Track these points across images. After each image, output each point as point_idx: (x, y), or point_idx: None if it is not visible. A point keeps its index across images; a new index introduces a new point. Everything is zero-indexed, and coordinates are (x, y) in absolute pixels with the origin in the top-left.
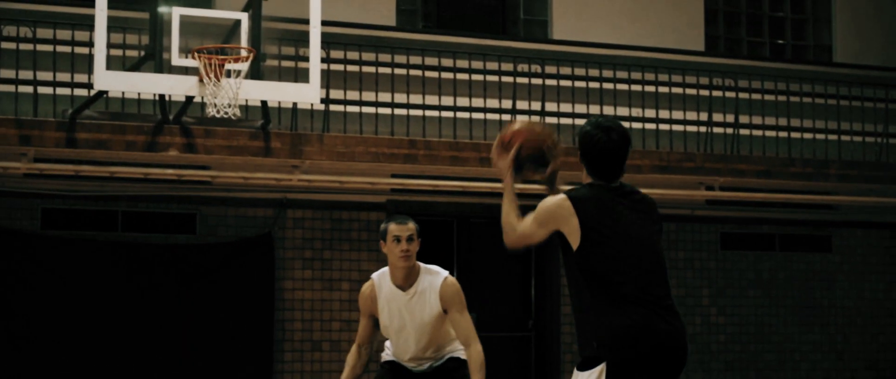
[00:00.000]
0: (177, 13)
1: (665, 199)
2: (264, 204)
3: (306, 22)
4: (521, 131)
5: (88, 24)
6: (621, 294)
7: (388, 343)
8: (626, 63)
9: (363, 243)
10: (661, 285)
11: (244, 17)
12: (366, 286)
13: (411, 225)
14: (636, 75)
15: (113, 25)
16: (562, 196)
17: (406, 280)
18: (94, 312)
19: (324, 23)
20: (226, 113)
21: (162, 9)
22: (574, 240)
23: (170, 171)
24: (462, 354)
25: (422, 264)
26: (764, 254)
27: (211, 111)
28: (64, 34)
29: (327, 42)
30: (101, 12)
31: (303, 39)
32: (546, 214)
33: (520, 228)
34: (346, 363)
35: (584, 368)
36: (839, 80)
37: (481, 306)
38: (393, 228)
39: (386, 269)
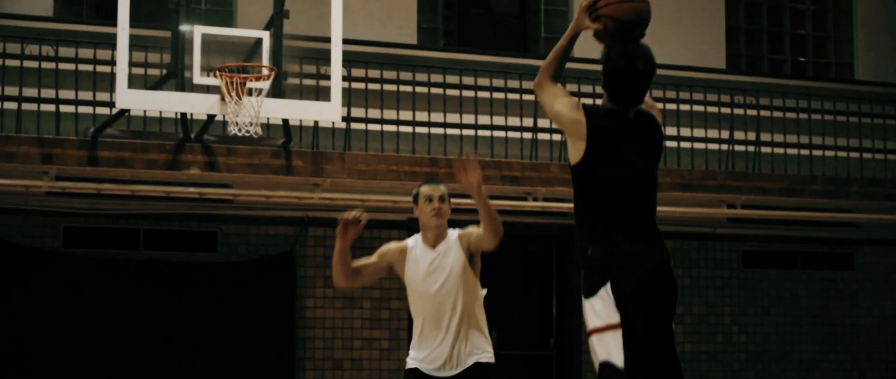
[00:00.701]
0: (198, 32)
1: (687, 217)
2: (285, 222)
3: (327, 40)
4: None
5: (110, 42)
6: (615, 222)
7: (412, 351)
8: None
9: None
10: (652, 218)
11: (266, 36)
12: (400, 243)
13: (442, 187)
14: (657, 93)
15: (135, 44)
16: (582, 111)
17: (436, 240)
18: (116, 330)
19: (345, 41)
20: (247, 131)
21: (184, 27)
22: (575, 153)
23: (191, 189)
24: (486, 358)
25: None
26: (786, 272)
27: (232, 129)
28: (86, 53)
29: (348, 60)
30: (123, 31)
31: (324, 58)
32: (564, 112)
33: (550, 87)
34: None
35: (589, 294)
36: (861, 98)
37: (502, 325)
38: (425, 189)
39: (418, 234)
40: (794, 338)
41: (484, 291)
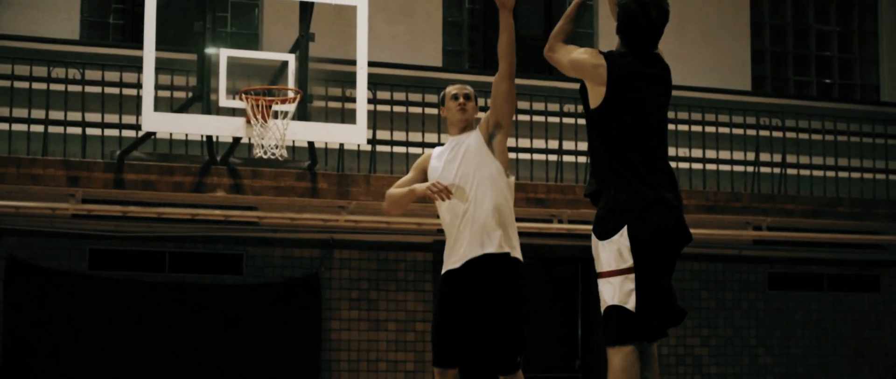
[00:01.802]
0: (224, 55)
1: (712, 239)
2: (311, 245)
3: (353, 63)
4: None
5: (136, 65)
6: (635, 166)
7: (444, 257)
8: (672, 103)
9: (409, 284)
10: (665, 156)
11: (291, 59)
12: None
13: (468, 87)
14: (683, 115)
15: (161, 67)
16: (601, 57)
17: (461, 132)
18: (141, 352)
19: (370, 64)
20: (273, 154)
21: (209, 50)
22: (595, 98)
23: (217, 211)
24: (501, 250)
25: None
26: (812, 294)
27: (258, 152)
28: (112, 76)
29: (374, 83)
30: (149, 54)
31: (349, 80)
32: (582, 61)
33: (560, 47)
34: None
35: (605, 236)
36: (886, 120)
37: (527, 347)
38: (450, 88)
39: None
40: (820, 360)
41: (511, 179)
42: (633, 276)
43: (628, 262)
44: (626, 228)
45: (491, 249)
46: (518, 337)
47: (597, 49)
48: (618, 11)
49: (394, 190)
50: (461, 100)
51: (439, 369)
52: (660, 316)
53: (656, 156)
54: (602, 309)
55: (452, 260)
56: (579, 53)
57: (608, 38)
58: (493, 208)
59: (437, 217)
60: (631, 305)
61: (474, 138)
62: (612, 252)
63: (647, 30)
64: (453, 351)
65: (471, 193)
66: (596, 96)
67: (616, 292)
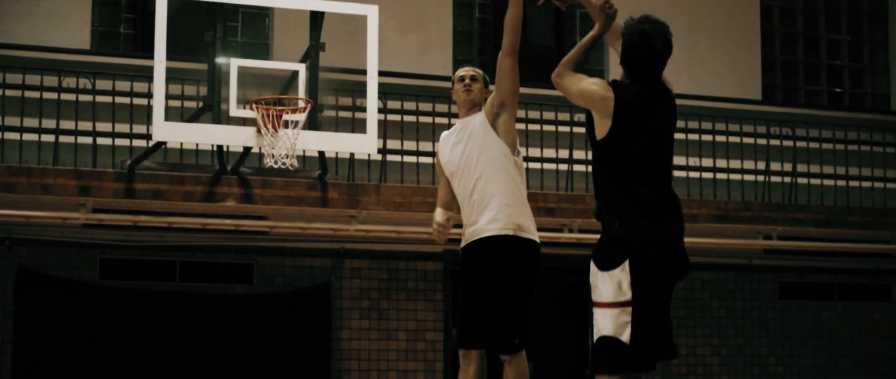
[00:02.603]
0: (235, 64)
1: (722, 248)
2: (321, 254)
3: (363, 72)
4: None
5: (147, 75)
6: (639, 198)
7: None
8: (683, 112)
9: (420, 293)
10: (670, 186)
11: (302, 68)
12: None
13: (475, 69)
14: (693, 124)
15: (171, 77)
16: (609, 91)
17: (468, 114)
18: (152, 361)
19: (381, 73)
20: (283, 163)
21: (220, 60)
22: (602, 129)
23: (227, 221)
24: (505, 231)
25: None
26: (823, 303)
27: (268, 162)
28: (123, 85)
29: (384, 92)
30: (159, 64)
31: (360, 90)
32: (591, 93)
33: (569, 77)
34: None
35: (606, 267)
36: None
37: (537, 356)
38: (458, 72)
39: None
40: (831, 369)
41: (518, 158)
42: (630, 309)
43: (627, 295)
44: (627, 261)
45: (493, 231)
46: (518, 318)
47: (605, 79)
48: (621, 42)
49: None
50: (467, 81)
51: (463, 351)
52: (653, 350)
53: (662, 186)
54: (595, 337)
55: (464, 238)
56: (588, 84)
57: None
58: (497, 190)
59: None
60: (625, 337)
61: (479, 119)
62: (612, 284)
63: (650, 61)
64: (470, 332)
65: (475, 175)
66: (603, 128)
67: (611, 323)
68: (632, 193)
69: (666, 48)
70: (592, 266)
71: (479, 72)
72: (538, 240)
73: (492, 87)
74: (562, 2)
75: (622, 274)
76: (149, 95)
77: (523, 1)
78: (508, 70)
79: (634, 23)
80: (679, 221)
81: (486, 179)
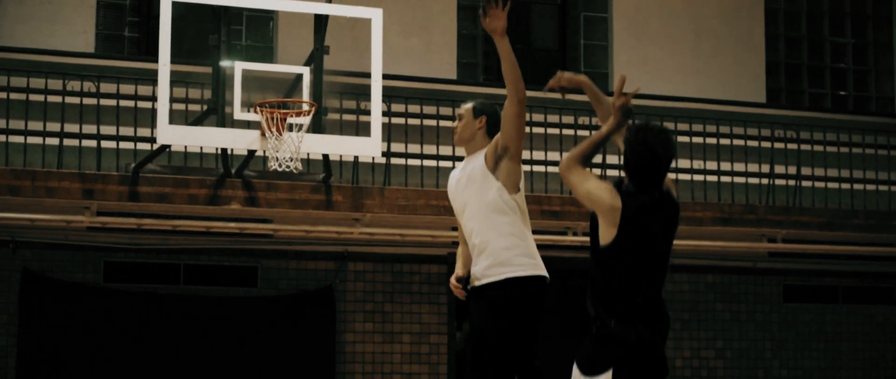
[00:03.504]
0: (239, 67)
1: (727, 251)
2: (325, 257)
3: (367, 76)
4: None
5: (151, 78)
6: (634, 305)
7: None
8: (687, 115)
9: (424, 296)
10: (660, 296)
11: (306, 72)
12: None
13: (467, 105)
14: (697, 127)
15: (176, 80)
16: (619, 201)
17: (470, 152)
18: (156, 364)
19: (385, 77)
20: (287, 167)
21: (224, 63)
22: (606, 236)
23: (232, 224)
24: (505, 275)
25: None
26: (827, 306)
27: (273, 165)
28: (127, 89)
29: (388, 96)
30: (163, 67)
31: (364, 93)
32: (600, 200)
33: (577, 171)
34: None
35: (589, 372)
36: None
37: (541, 359)
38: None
39: None
40: (835, 372)
41: (517, 196)
42: None
43: None
44: (611, 371)
45: (491, 277)
46: (520, 363)
47: (612, 185)
48: (624, 149)
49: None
50: (455, 121)
51: None
52: None
53: (656, 293)
54: None
55: (471, 280)
56: (596, 187)
57: (623, 53)
58: (494, 235)
59: (452, 229)
60: None
61: (479, 163)
62: None
63: (654, 168)
64: (476, 374)
65: (473, 220)
66: (607, 235)
67: None
68: (628, 299)
69: (669, 155)
70: (575, 368)
71: (468, 106)
72: (541, 273)
73: (484, 117)
74: (562, 91)
75: None
76: (153, 99)
77: (512, 53)
78: (511, 117)
79: (636, 131)
80: (666, 329)
81: (482, 225)
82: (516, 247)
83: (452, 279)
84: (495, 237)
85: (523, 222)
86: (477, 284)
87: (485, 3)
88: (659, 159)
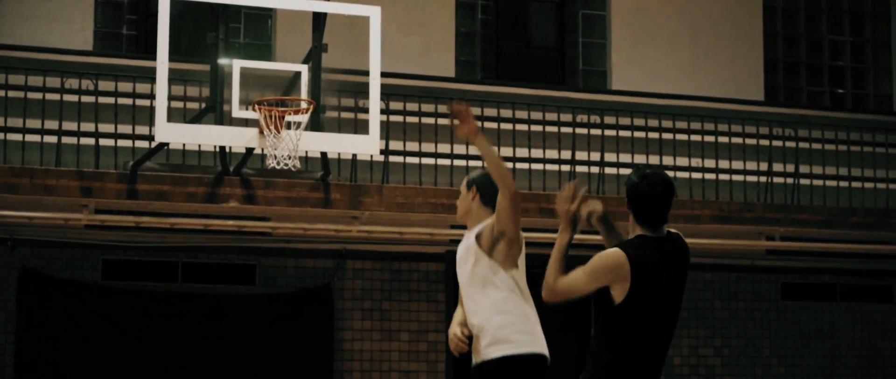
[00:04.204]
0: (237, 65)
1: (725, 249)
2: (324, 255)
3: (366, 74)
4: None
5: (150, 76)
6: (636, 357)
7: None
8: (685, 113)
9: (422, 294)
10: (667, 346)
11: (304, 69)
12: None
13: (464, 181)
14: (695, 125)
15: (174, 78)
16: (621, 254)
17: (470, 226)
18: (154, 362)
19: (383, 74)
20: (286, 164)
21: (222, 61)
22: (619, 296)
23: (230, 222)
24: (494, 354)
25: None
26: (825, 304)
27: (271, 163)
28: (125, 86)
29: (387, 93)
30: (162, 65)
31: (362, 91)
32: (605, 270)
33: (565, 281)
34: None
35: None
36: None
37: None
38: None
39: None
40: (833, 370)
41: (512, 271)
42: None
43: None
44: None
45: (489, 355)
46: None
47: (615, 249)
48: (627, 192)
49: None
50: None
51: None
52: None
53: (659, 356)
54: None
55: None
56: (594, 264)
57: (621, 52)
58: (489, 313)
59: (450, 228)
60: None
61: (473, 242)
62: None
63: (656, 204)
64: None
65: (469, 298)
66: (620, 292)
67: None
68: (624, 348)
69: (668, 191)
70: None
71: (465, 183)
72: (538, 351)
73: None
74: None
75: None
76: (151, 96)
77: (492, 151)
78: (504, 208)
79: (634, 174)
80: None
81: (478, 304)
82: (512, 324)
83: (455, 329)
84: (491, 315)
85: (521, 298)
86: (476, 361)
87: (451, 111)
88: (659, 194)
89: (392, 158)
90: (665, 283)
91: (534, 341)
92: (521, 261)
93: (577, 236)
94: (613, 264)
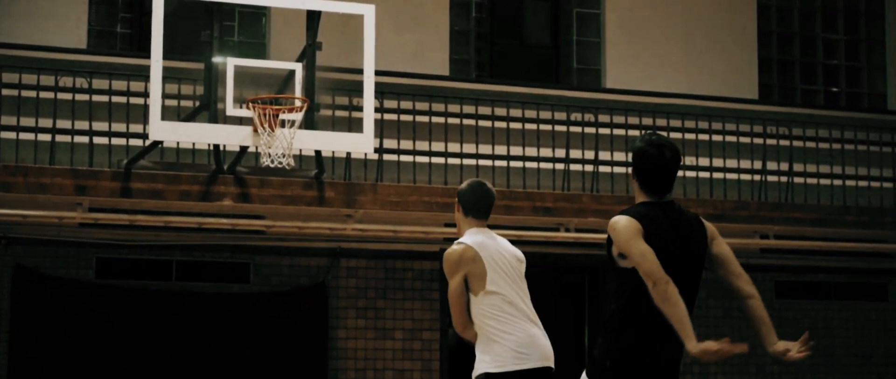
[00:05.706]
0: (231, 64)
1: None
2: (318, 253)
3: (360, 72)
4: None
5: (144, 74)
6: (643, 312)
7: None
8: (679, 112)
9: (416, 292)
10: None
11: (298, 68)
12: None
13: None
14: (690, 124)
15: (168, 76)
16: (630, 219)
17: None
18: (148, 360)
19: (377, 73)
20: (280, 163)
21: (216, 59)
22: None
23: (224, 220)
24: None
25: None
26: (819, 303)
27: (265, 161)
28: (119, 85)
29: (381, 92)
30: (156, 63)
31: (357, 89)
32: (634, 231)
33: (643, 263)
34: None
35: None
36: (894, 128)
37: None
38: None
39: None
40: (827, 369)
41: (480, 295)
42: None
43: None
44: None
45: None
46: None
47: (622, 216)
48: (633, 158)
49: None
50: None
51: None
52: None
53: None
54: None
55: None
56: (629, 238)
57: (615, 50)
58: (480, 339)
59: (444, 225)
60: None
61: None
62: None
63: (663, 169)
64: None
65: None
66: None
67: None
68: (637, 303)
69: (675, 156)
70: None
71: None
72: (493, 370)
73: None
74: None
75: None
76: (145, 95)
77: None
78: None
79: (639, 140)
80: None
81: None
82: (486, 347)
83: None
84: (481, 339)
85: (493, 319)
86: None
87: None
88: (667, 159)
89: (386, 157)
90: (673, 247)
91: (492, 360)
92: (497, 286)
93: (577, 236)
94: (633, 226)
